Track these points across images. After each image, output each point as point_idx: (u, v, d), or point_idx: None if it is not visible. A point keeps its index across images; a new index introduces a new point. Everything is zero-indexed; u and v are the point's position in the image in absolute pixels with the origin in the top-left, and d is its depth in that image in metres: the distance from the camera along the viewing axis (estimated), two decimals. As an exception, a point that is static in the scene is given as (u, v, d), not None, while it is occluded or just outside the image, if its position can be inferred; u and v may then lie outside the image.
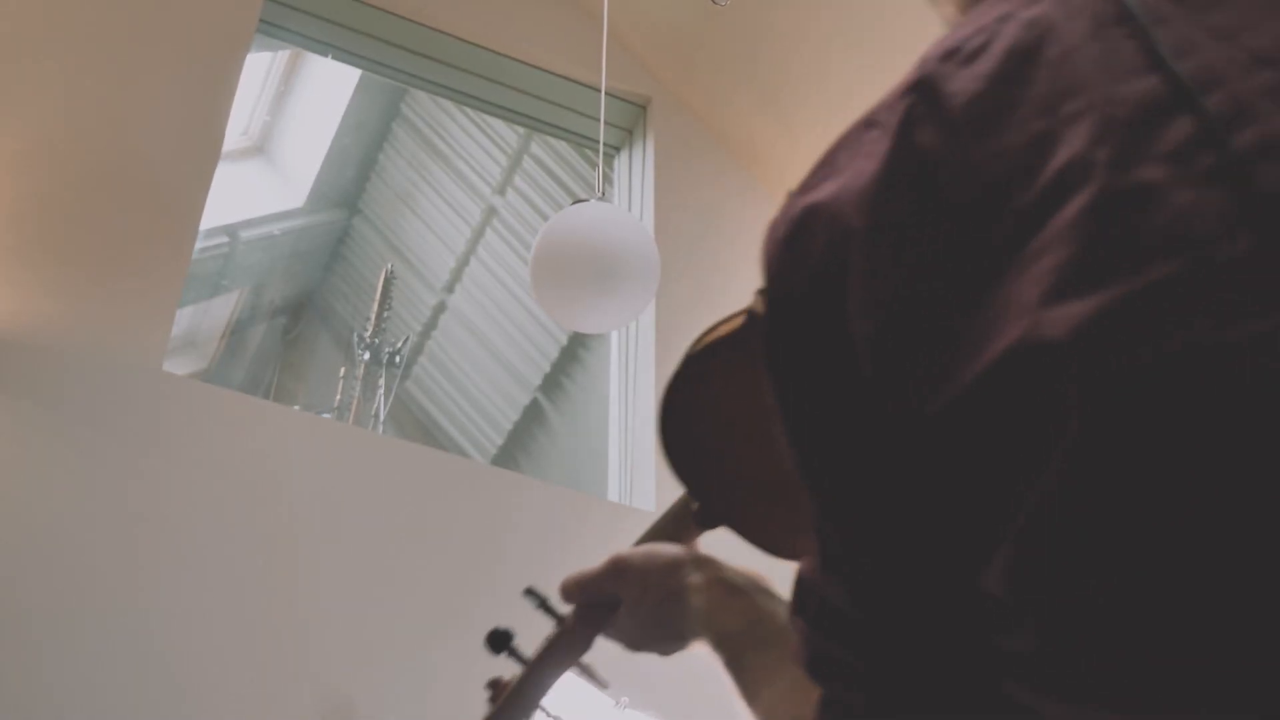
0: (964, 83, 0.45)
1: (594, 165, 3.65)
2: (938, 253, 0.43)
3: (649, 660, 0.88)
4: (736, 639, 0.77)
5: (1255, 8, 0.43)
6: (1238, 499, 0.35)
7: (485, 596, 2.46)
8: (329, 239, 6.52)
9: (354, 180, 6.30)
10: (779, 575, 0.82)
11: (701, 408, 0.82)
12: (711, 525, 0.85)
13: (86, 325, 2.83)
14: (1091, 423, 0.37)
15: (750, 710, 0.73)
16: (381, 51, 3.93)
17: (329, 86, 5.84)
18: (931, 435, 0.41)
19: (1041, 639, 0.38)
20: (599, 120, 3.24)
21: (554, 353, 5.75)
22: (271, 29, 3.73)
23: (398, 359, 6.06)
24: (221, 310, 6.05)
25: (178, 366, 5.06)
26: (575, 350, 5.57)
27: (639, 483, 3.47)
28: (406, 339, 6.24)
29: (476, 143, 5.84)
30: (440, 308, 6.26)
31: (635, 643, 0.86)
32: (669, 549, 0.86)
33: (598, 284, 2.51)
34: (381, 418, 5.74)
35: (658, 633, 0.84)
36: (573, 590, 0.88)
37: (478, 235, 5.98)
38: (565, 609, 0.90)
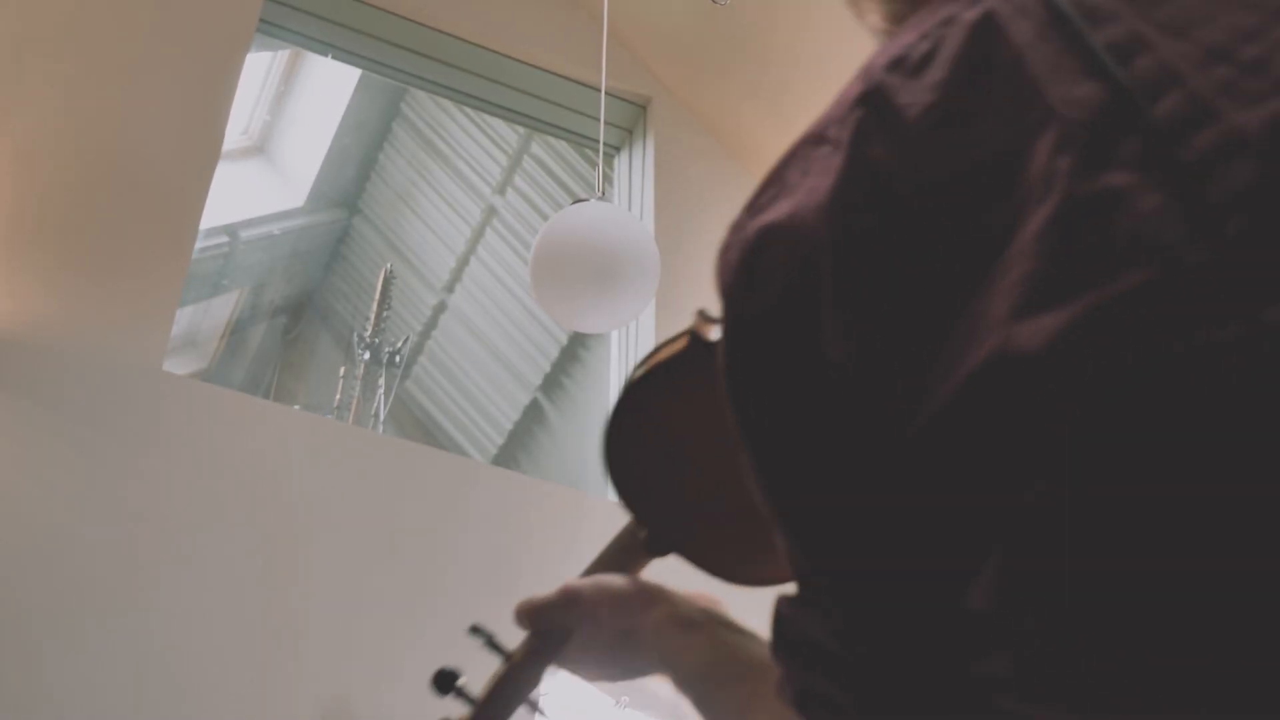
0: (915, 94, 0.44)
1: (594, 165, 3.65)
2: (907, 270, 0.42)
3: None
4: (700, 678, 0.75)
5: (1206, 1, 0.42)
6: (1229, 499, 0.35)
7: (485, 596, 2.46)
8: (329, 239, 6.51)
9: (354, 180, 6.30)
10: (727, 595, 0.81)
11: (647, 434, 0.79)
12: (662, 553, 0.83)
13: (86, 325, 2.83)
14: (1073, 432, 0.37)
15: None
16: (381, 51, 3.93)
17: (329, 86, 5.84)
18: (912, 454, 0.40)
19: (1027, 653, 0.38)
20: (599, 120, 3.24)
21: (554, 352, 5.75)
22: (271, 29, 3.73)
23: (398, 359, 6.06)
24: (221, 310, 6.04)
25: (178, 366, 5.06)
26: (575, 350, 5.57)
27: (639, 482, 3.46)
28: (406, 339, 6.23)
29: (476, 143, 5.84)
30: (440, 307, 6.26)
31: (589, 676, 0.84)
32: (617, 583, 0.82)
33: (598, 284, 2.51)
34: (382, 417, 5.74)
35: (612, 669, 0.82)
36: (525, 616, 0.85)
37: (478, 235, 5.98)
38: (512, 645, 0.86)
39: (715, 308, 0.79)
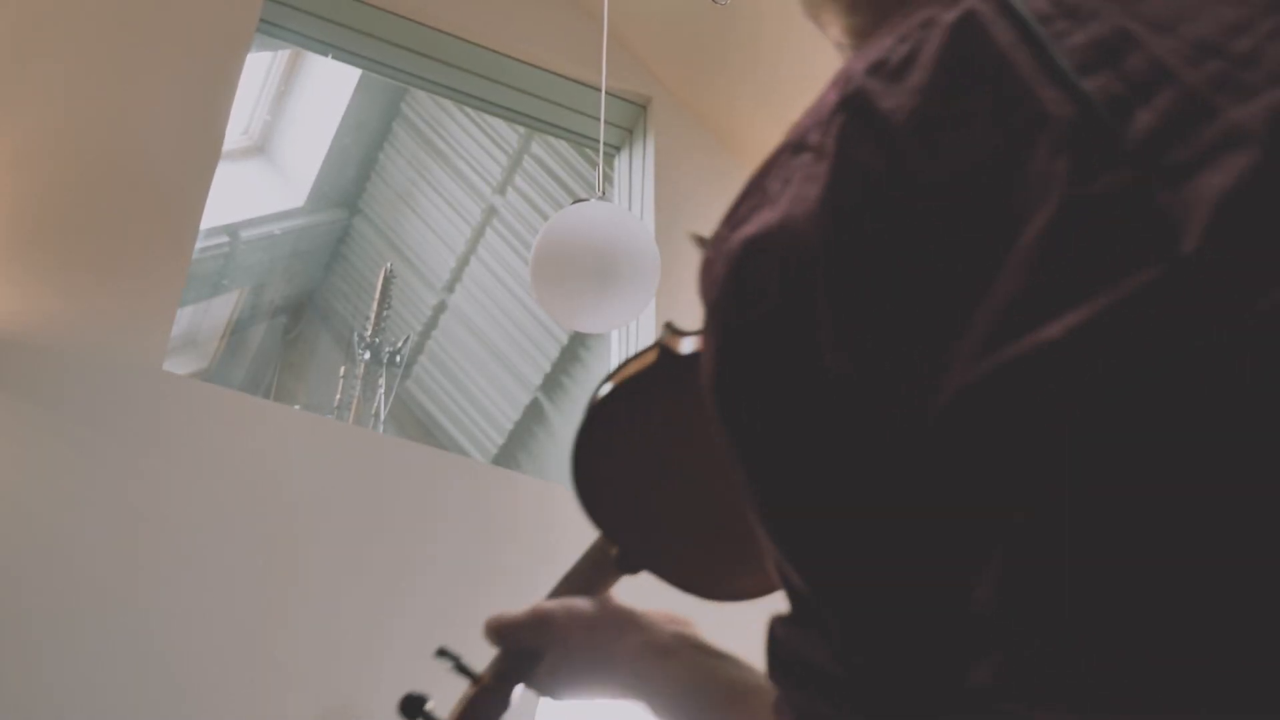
0: (899, 97, 0.43)
1: (594, 165, 3.65)
2: (903, 275, 0.41)
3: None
4: (680, 705, 0.74)
5: None
6: (1229, 499, 0.35)
7: (485, 596, 2.46)
8: (329, 238, 6.52)
9: (354, 180, 6.30)
10: (696, 612, 0.80)
11: (616, 450, 0.78)
12: (634, 570, 0.81)
13: (86, 325, 2.83)
14: (1074, 433, 0.37)
15: None
16: (382, 51, 3.93)
17: (329, 86, 5.84)
18: (914, 460, 0.40)
19: (1027, 654, 0.38)
20: (599, 120, 3.24)
21: (554, 352, 5.75)
22: (271, 29, 3.73)
23: (398, 358, 6.06)
24: (222, 310, 6.05)
25: (178, 366, 5.06)
26: (575, 350, 5.57)
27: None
28: (407, 338, 6.24)
29: (477, 142, 5.84)
30: (440, 307, 6.26)
31: (559, 697, 0.83)
32: (588, 608, 0.81)
33: (598, 284, 2.51)
34: (382, 417, 5.75)
35: (580, 692, 0.81)
36: (495, 633, 0.84)
37: (478, 235, 5.99)
38: (480, 667, 0.85)
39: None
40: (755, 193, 0.48)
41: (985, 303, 0.39)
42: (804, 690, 0.46)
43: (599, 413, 0.77)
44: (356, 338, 6.02)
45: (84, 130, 3.07)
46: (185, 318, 5.47)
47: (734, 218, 0.48)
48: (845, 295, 0.42)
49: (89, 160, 3.04)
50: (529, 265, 2.64)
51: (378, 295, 5.97)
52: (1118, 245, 0.38)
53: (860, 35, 0.58)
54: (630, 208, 4.00)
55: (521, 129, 5.26)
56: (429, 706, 0.85)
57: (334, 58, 4.04)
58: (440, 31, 3.92)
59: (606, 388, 0.77)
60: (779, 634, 0.47)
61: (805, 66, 3.86)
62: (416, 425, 6.34)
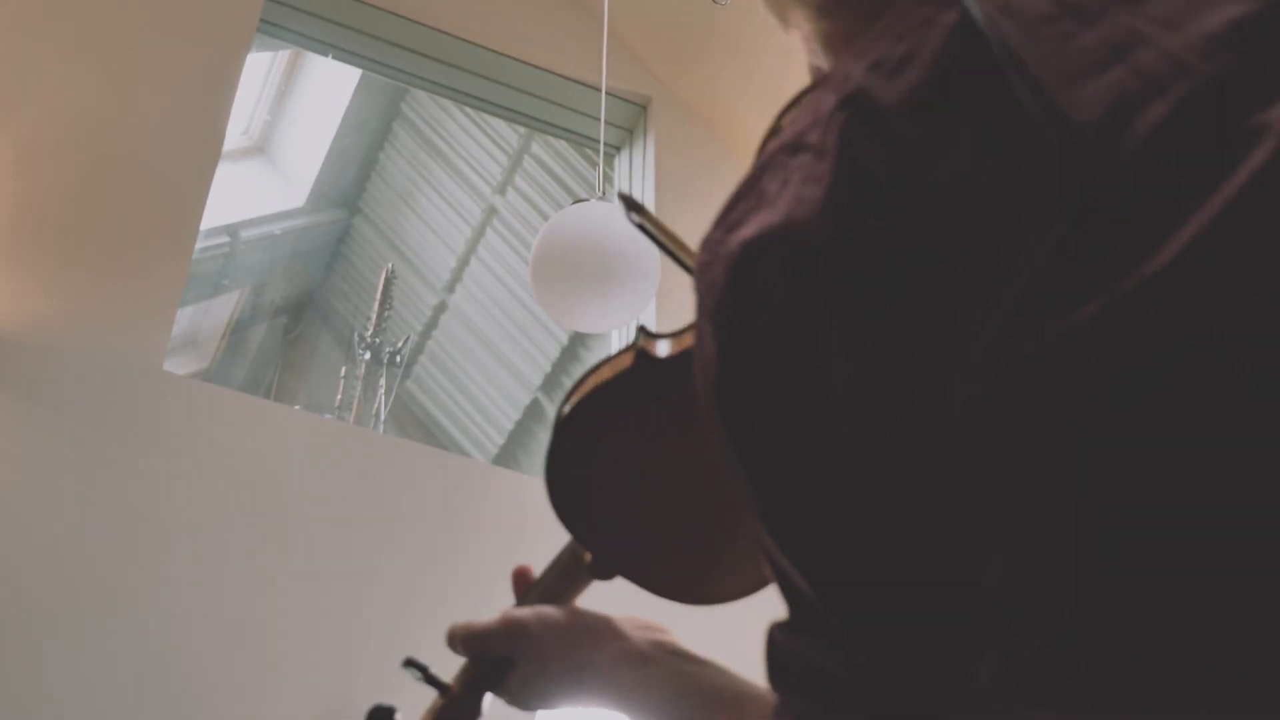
0: (898, 95, 0.43)
1: (594, 165, 3.65)
2: (909, 275, 0.41)
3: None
4: (661, 713, 0.73)
5: None
6: (1232, 501, 0.35)
7: (487, 596, 2.46)
8: (330, 238, 6.52)
9: (354, 180, 6.30)
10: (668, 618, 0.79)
11: (590, 454, 0.77)
12: (608, 576, 0.80)
13: (86, 325, 2.83)
14: (1098, 424, 0.37)
15: None
16: (382, 51, 3.93)
17: (329, 86, 5.84)
18: (922, 463, 0.40)
19: (1027, 654, 0.38)
20: (599, 120, 3.23)
21: (555, 352, 5.75)
22: (271, 29, 3.73)
23: (398, 358, 6.06)
24: (222, 310, 6.05)
25: (178, 366, 5.06)
26: (576, 350, 5.57)
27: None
28: (407, 338, 6.24)
29: (477, 142, 5.84)
30: (441, 307, 6.26)
31: (528, 707, 0.81)
32: (562, 617, 0.80)
33: (598, 284, 2.51)
34: (382, 417, 5.75)
35: (553, 701, 0.80)
36: (460, 641, 0.83)
37: (478, 235, 5.99)
38: (447, 677, 0.84)
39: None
40: (750, 194, 0.47)
41: (990, 304, 0.39)
42: (805, 695, 0.45)
43: (573, 418, 0.76)
44: (357, 338, 6.02)
45: (84, 131, 3.07)
46: (185, 318, 5.47)
47: (728, 220, 0.47)
48: (849, 297, 0.42)
49: (89, 161, 3.04)
50: (529, 265, 2.64)
51: (378, 295, 5.97)
52: (1123, 243, 0.37)
53: (828, 40, 0.58)
54: (630, 208, 3.99)
55: (521, 129, 5.26)
56: (398, 718, 0.84)
57: (334, 58, 4.04)
58: (440, 31, 3.92)
59: (580, 392, 0.76)
60: (778, 640, 0.47)
61: (806, 66, 3.86)
62: (417, 425, 6.34)
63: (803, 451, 0.43)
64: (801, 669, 0.45)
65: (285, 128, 6.08)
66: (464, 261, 6.08)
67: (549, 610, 0.81)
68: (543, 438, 5.90)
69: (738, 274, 0.45)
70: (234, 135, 5.59)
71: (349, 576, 2.81)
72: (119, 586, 2.55)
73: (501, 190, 5.82)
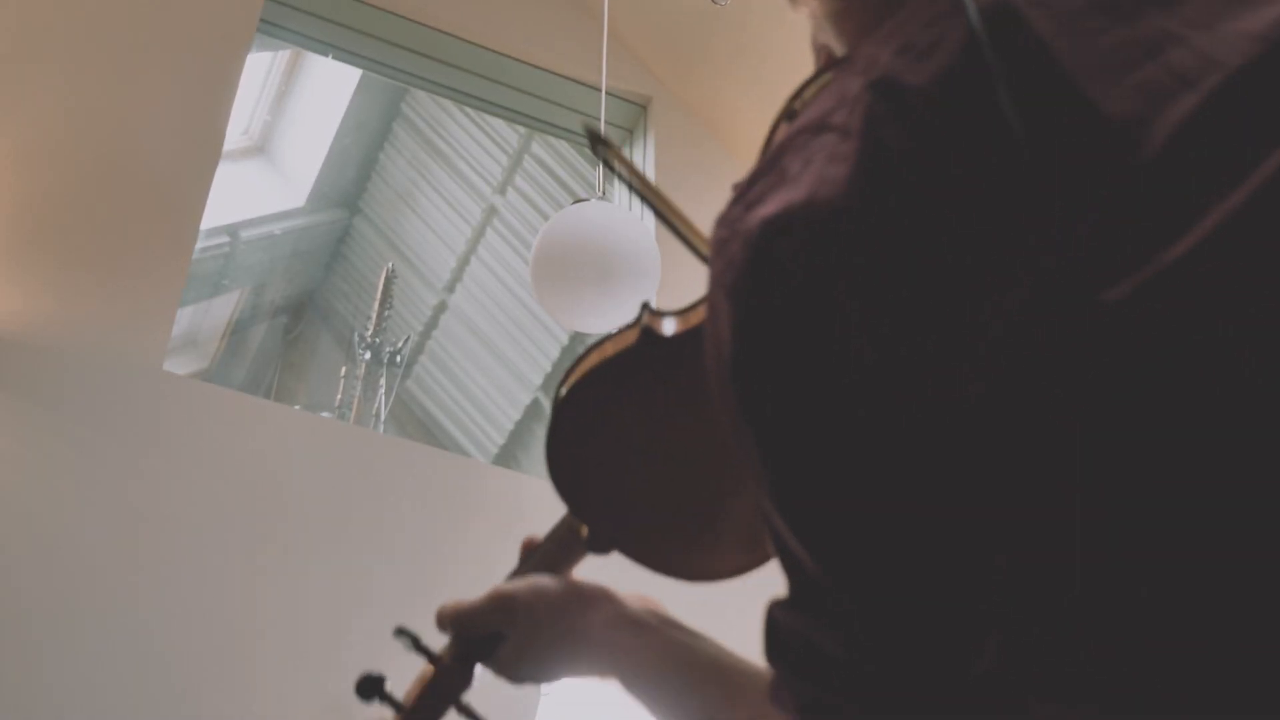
0: (925, 78, 0.43)
1: (594, 164, 3.65)
2: (932, 262, 0.41)
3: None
4: (657, 680, 0.74)
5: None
6: (1234, 491, 0.35)
7: (486, 596, 2.45)
8: (330, 238, 6.52)
9: (355, 180, 6.30)
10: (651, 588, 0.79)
11: (591, 429, 0.77)
12: (604, 550, 0.81)
13: (86, 325, 2.83)
14: (1103, 416, 0.37)
15: None
16: (382, 51, 3.93)
17: (329, 86, 5.84)
18: (935, 450, 0.40)
19: (1027, 642, 0.38)
20: (599, 120, 3.23)
21: (555, 352, 5.75)
22: (272, 29, 3.73)
23: (399, 358, 6.06)
24: (222, 310, 6.05)
25: (178, 366, 5.06)
26: (576, 349, 5.57)
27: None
28: (407, 338, 6.24)
29: (477, 142, 5.84)
30: (441, 307, 6.26)
31: (519, 679, 0.82)
32: (554, 585, 0.81)
33: (598, 283, 2.51)
34: (382, 417, 5.75)
35: (547, 671, 0.81)
36: (450, 621, 0.83)
37: (478, 234, 5.99)
38: (439, 645, 0.84)
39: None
40: (771, 172, 0.47)
41: (1007, 292, 0.39)
42: (803, 674, 0.45)
43: (575, 392, 0.76)
44: (357, 338, 6.02)
45: (84, 130, 3.07)
46: (185, 318, 5.47)
47: (748, 197, 0.47)
48: (869, 278, 0.41)
49: (89, 160, 3.04)
50: (529, 265, 2.64)
51: (378, 295, 5.97)
52: (1147, 231, 0.38)
53: (837, 18, 0.58)
54: (631, 207, 4.00)
55: (521, 129, 5.26)
56: (387, 687, 0.85)
57: (334, 58, 4.04)
58: (440, 31, 3.92)
59: (584, 368, 0.76)
60: (778, 617, 0.47)
61: (806, 66, 3.86)
62: (417, 425, 6.34)
63: (818, 434, 0.43)
64: (801, 647, 0.45)
65: (285, 128, 6.08)
66: (464, 261, 6.08)
67: (542, 578, 0.82)
68: (543, 438, 5.90)
69: (757, 251, 0.45)
70: (234, 135, 5.59)
71: (349, 576, 2.81)
72: (119, 586, 2.55)
73: (501, 190, 5.82)
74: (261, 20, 3.57)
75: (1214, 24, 0.41)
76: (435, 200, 6.17)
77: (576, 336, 5.22)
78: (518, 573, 0.86)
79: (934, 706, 0.42)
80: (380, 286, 5.99)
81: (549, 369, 5.81)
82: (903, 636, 0.42)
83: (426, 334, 6.33)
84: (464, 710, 0.85)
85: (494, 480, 3.43)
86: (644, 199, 0.75)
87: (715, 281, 0.47)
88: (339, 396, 5.89)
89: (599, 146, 0.73)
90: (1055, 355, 0.38)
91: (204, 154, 3.22)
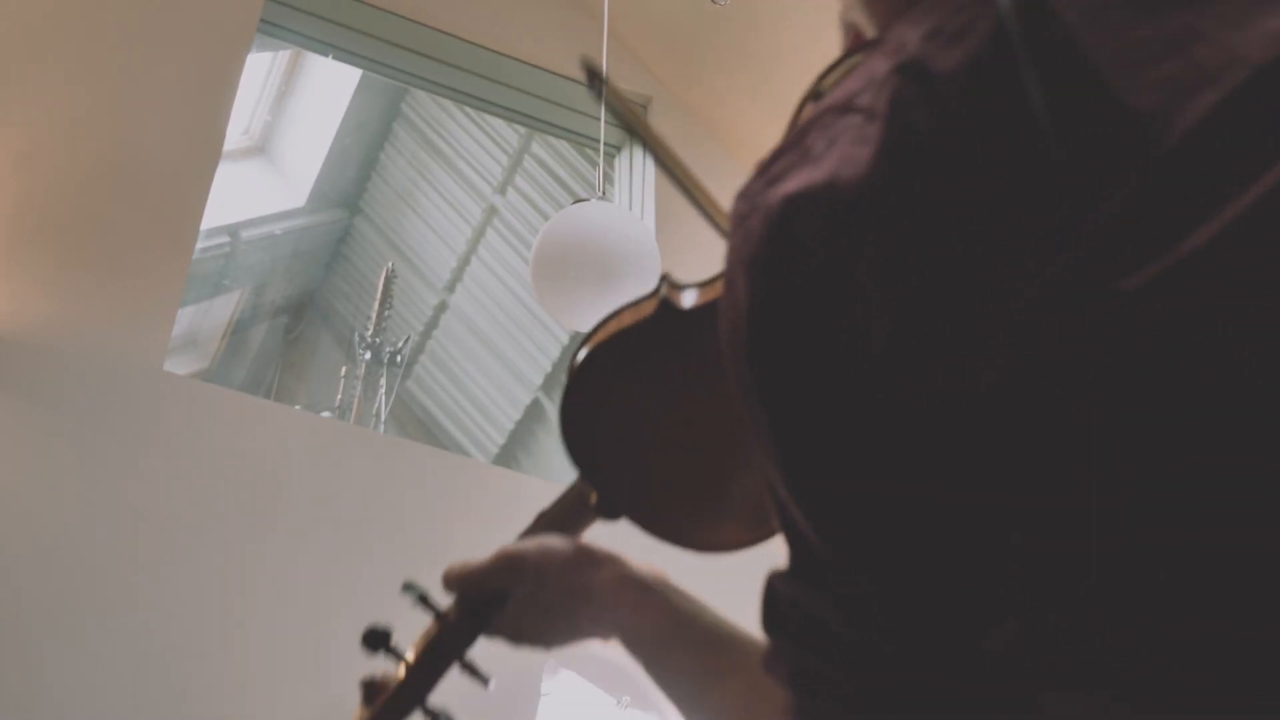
0: (954, 63, 0.43)
1: (595, 164, 3.65)
2: (952, 247, 0.41)
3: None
4: (658, 641, 0.75)
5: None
6: (1249, 476, 0.35)
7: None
8: (330, 238, 6.52)
9: (355, 180, 6.30)
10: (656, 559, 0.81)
11: (605, 398, 0.78)
12: (614, 517, 0.81)
13: (87, 325, 2.83)
14: (1101, 417, 0.37)
15: (690, 713, 0.72)
16: (382, 51, 3.93)
17: (330, 86, 5.84)
18: (951, 435, 0.40)
19: (1041, 627, 0.38)
20: (599, 119, 3.24)
21: (555, 352, 5.75)
22: (272, 29, 3.73)
23: (399, 358, 6.07)
24: (222, 310, 6.05)
25: (178, 366, 5.06)
26: (575, 350, 5.57)
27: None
28: (408, 338, 6.24)
29: (477, 142, 5.84)
30: (441, 307, 6.26)
31: (523, 639, 0.83)
32: (563, 544, 0.82)
33: (598, 283, 2.51)
34: (383, 417, 5.75)
35: (550, 631, 0.81)
36: (456, 582, 0.84)
37: (479, 234, 5.99)
38: (446, 603, 0.86)
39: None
40: (794, 150, 0.47)
41: (1026, 280, 0.39)
42: (801, 646, 0.46)
43: (591, 360, 0.77)
44: (357, 338, 6.02)
45: (84, 131, 3.08)
46: (186, 318, 5.47)
47: (769, 173, 0.47)
48: (889, 260, 0.42)
49: (89, 161, 3.04)
50: (529, 265, 2.64)
51: (379, 295, 5.97)
52: (1166, 223, 0.38)
53: (871, 1, 0.58)
54: (630, 208, 4.00)
55: (521, 129, 5.26)
56: (394, 641, 0.86)
57: (334, 58, 4.04)
58: (440, 31, 3.92)
59: (601, 336, 0.77)
60: (778, 587, 0.47)
61: (805, 66, 3.87)
62: (417, 425, 6.34)
63: (833, 414, 0.43)
64: (801, 619, 0.46)
65: (285, 128, 6.08)
66: (464, 261, 6.08)
67: (551, 540, 0.83)
68: (543, 438, 5.91)
69: (777, 228, 0.45)
70: (234, 135, 5.59)
71: (349, 576, 2.82)
72: (119, 586, 2.56)
73: (502, 190, 5.82)
74: (261, 20, 3.58)
75: (1245, 22, 0.41)
76: (435, 200, 6.17)
77: (576, 336, 5.22)
78: (528, 533, 0.87)
79: (939, 693, 0.42)
80: (380, 286, 6.00)
81: (549, 369, 5.81)
82: (919, 620, 0.42)
83: (427, 334, 6.33)
84: (467, 668, 0.86)
85: (494, 480, 3.43)
86: (643, 142, 0.76)
87: (734, 254, 0.47)
88: (339, 396, 5.89)
89: (595, 82, 0.73)
90: (1073, 342, 0.38)
91: (204, 154, 3.22)
